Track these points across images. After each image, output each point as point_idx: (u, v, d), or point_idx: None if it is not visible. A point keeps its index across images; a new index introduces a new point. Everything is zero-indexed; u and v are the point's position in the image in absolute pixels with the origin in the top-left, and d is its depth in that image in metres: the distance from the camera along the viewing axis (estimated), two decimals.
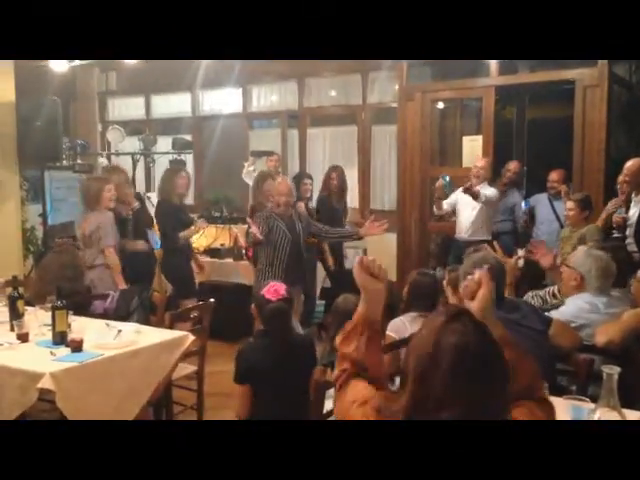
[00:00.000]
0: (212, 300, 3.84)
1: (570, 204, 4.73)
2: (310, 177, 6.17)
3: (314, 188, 6.20)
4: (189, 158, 7.64)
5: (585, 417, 2.01)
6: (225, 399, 3.77)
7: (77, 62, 6.34)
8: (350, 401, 1.50)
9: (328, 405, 2.54)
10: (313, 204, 6.12)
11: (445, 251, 6.15)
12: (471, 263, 2.66)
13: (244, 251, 5.69)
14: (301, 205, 5.49)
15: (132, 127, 8.08)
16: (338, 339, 1.71)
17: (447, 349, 1.26)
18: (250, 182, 6.29)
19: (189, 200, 7.36)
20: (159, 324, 3.69)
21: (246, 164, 6.64)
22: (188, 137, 7.65)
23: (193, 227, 5.13)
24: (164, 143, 7.23)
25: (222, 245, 6.28)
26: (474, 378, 1.25)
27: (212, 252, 6.20)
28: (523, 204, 5.74)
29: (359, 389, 1.53)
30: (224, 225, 6.47)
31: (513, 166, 5.92)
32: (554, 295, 3.33)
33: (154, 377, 3.17)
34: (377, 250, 6.81)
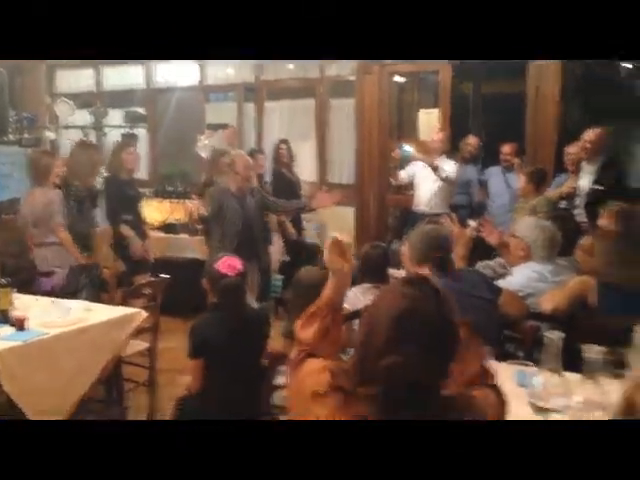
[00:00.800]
0: (166, 276, 3.78)
1: (522, 176, 4.80)
2: (262, 152, 6.10)
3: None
4: (143, 132, 7.46)
5: (530, 381, 2.05)
6: (178, 376, 3.74)
7: None
8: (305, 374, 1.49)
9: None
10: (266, 179, 6.06)
11: (403, 224, 6.19)
12: (419, 234, 2.68)
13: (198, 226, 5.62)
14: (254, 180, 5.42)
15: (82, 100, 7.81)
16: (298, 323, 1.67)
17: (398, 311, 1.27)
18: (204, 155, 6.18)
19: (143, 175, 7.23)
20: (111, 301, 3.62)
21: (201, 137, 6.52)
22: (141, 110, 7.46)
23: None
24: (116, 116, 7.02)
25: (177, 220, 6.18)
26: (420, 337, 1.26)
27: (167, 228, 6.10)
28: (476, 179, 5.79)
29: (314, 363, 1.52)
30: (179, 200, 6.36)
31: (472, 141, 5.94)
32: (504, 266, 3.38)
33: (104, 354, 3.11)
34: (335, 224, 6.81)
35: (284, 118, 7.28)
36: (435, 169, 5.27)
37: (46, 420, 2.54)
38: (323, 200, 4.42)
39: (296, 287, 3.05)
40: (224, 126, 6.54)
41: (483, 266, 3.49)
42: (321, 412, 1.32)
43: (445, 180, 5.33)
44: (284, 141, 6.25)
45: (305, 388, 1.41)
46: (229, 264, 2.93)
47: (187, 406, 2.83)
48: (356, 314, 2.92)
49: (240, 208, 4.29)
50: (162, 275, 3.86)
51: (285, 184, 5.97)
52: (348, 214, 6.48)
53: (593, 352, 1.82)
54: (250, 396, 2.62)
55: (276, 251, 5.95)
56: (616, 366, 1.97)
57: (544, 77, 5.43)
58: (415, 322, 1.26)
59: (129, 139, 6.21)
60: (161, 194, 6.46)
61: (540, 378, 2.00)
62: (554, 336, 1.96)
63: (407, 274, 2.66)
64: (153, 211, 6.05)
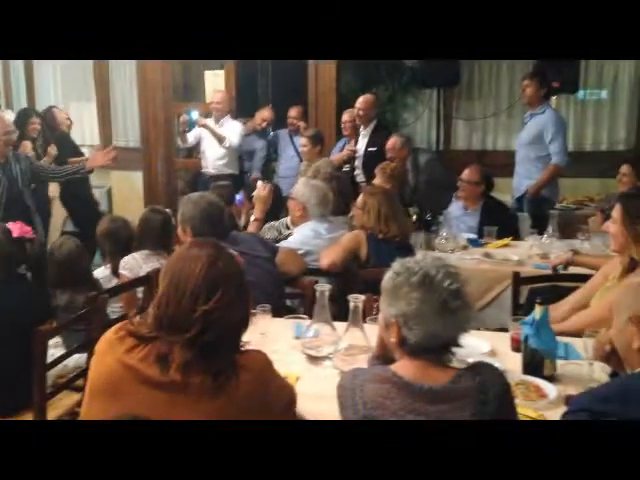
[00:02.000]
0: None
1: (304, 140, 5.02)
2: (39, 114, 5.56)
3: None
4: None
5: (305, 332, 2.21)
6: None
7: None
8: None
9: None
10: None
11: (193, 187, 6.12)
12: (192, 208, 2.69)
13: None
14: (27, 145, 4.95)
15: None
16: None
17: (202, 267, 1.45)
18: None
19: None
20: None
21: None
22: None
23: None
24: None
25: None
26: (225, 288, 1.45)
27: None
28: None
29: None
30: None
31: (266, 114, 5.90)
32: (287, 226, 3.54)
33: None
34: (123, 189, 6.55)
35: (58, 77, 6.73)
36: (220, 140, 5.33)
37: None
38: (96, 159, 4.16)
39: (50, 260, 2.89)
40: None
41: (268, 227, 3.62)
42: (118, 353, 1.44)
43: (228, 149, 5.42)
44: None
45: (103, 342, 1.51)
46: (20, 227, 2.61)
47: None
48: (140, 280, 2.86)
49: (3, 177, 3.87)
50: None
51: (69, 148, 5.54)
52: (136, 178, 6.25)
53: (357, 300, 1.99)
54: (23, 376, 2.45)
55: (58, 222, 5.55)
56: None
57: None
58: (217, 276, 1.45)
59: None
60: None
61: (313, 329, 2.16)
62: (323, 288, 2.12)
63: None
64: None
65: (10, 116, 5.32)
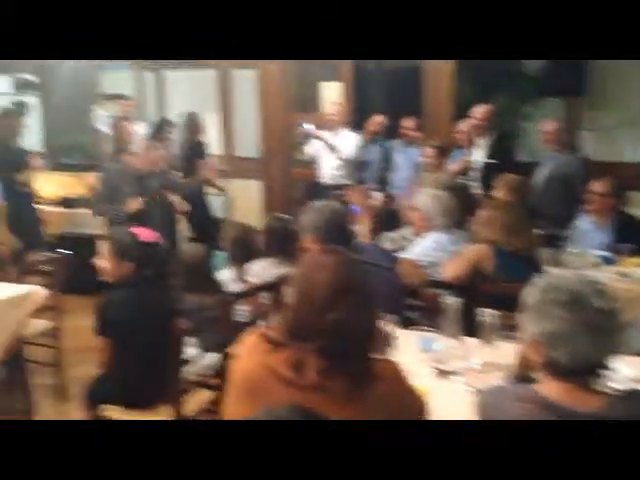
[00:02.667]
0: (66, 252, 3.64)
1: (428, 150, 4.97)
2: (172, 124, 5.90)
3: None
4: (35, 101, 7.03)
5: (432, 346, 2.19)
6: (84, 354, 3.63)
7: None
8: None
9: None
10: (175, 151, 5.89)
11: (309, 197, 6.24)
12: (317, 216, 2.72)
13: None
14: (162, 155, 5.26)
15: None
16: None
17: (330, 275, 1.47)
18: (104, 128, 5.92)
19: (37, 147, 6.84)
20: (6, 279, 3.45)
21: (98, 109, 6.23)
22: (31, 77, 7.01)
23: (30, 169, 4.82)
24: (4, 83, 6.57)
25: (76, 195, 5.91)
26: (352, 296, 1.46)
27: (65, 202, 5.82)
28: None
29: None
30: (77, 173, 6.07)
31: (378, 120, 5.95)
32: (405, 238, 3.53)
33: (3, 334, 2.98)
34: (242, 198, 6.79)
35: (185, 89, 7.10)
36: (332, 149, 5.41)
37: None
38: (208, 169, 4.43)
39: (178, 264, 3.02)
40: (122, 97, 6.27)
41: (386, 238, 3.63)
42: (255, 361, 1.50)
43: (342, 160, 5.47)
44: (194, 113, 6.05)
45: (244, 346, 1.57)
46: (148, 232, 2.78)
47: (98, 385, 2.77)
48: (265, 286, 2.96)
49: (139, 189, 4.17)
50: (61, 251, 3.71)
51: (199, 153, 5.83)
52: (255, 187, 6.47)
53: (488, 316, 1.95)
54: (161, 373, 2.60)
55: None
56: (510, 329, 2.14)
57: None
58: (346, 284, 1.47)
59: (21, 107, 5.84)
60: (58, 167, 6.13)
61: (440, 343, 2.13)
62: (452, 302, 2.09)
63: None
64: (51, 185, 5.76)
65: (143, 128, 5.70)
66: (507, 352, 1.94)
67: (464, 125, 5.12)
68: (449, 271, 2.98)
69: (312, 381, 1.43)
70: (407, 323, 2.65)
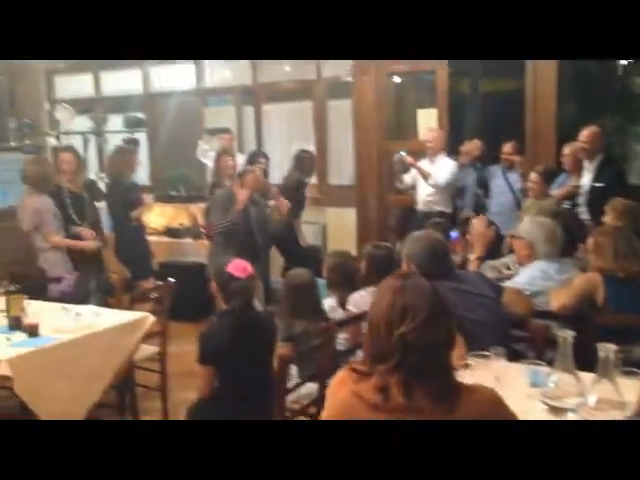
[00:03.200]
0: (172, 280, 3.80)
1: (534, 176, 4.80)
2: (266, 156, 6.09)
3: (270, 167, 6.14)
4: (143, 137, 7.48)
5: (542, 380, 2.08)
6: (188, 379, 3.75)
7: None
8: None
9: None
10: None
11: (404, 224, 6.21)
12: (415, 245, 2.69)
13: (203, 230, 5.64)
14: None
15: (82, 105, 7.82)
16: None
17: (396, 291, 1.51)
18: (206, 161, 6.18)
19: (145, 180, 7.25)
20: (118, 306, 3.64)
21: (201, 143, 6.53)
22: (140, 115, 7.46)
23: (143, 206, 5.08)
24: (116, 121, 7.03)
25: (181, 225, 6.20)
26: (422, 310, 1.48)
27: (171, 232, 6.11)
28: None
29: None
30: (182, 204, 6.37)
31: (475, 144, 5.85)
32: (508, 266, 3.41)
33: (116, 359, 3.13)
34: (337, 225, 6.85)
35: (282, 121, 7.31)
36: (425, 177, 5.36)
37: (57, 420, 2.55)
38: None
39: (285, 288, 3.06)
40: (223, 130, 6.55)
41: (488, 266, 3.53)
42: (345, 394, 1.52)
43: (435, 187, 5.41)
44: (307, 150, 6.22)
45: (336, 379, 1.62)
46: (241, 267, 2.91)
47: (199, 411, 2.84)
48: (364, 316, 2.94)
49: (244, 215, 4.34)
50: (168, 279, 3.87)
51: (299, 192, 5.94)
52: (349, 215, 6.51)
53: (608, 350, 1.83)
54: (262, 400, 2.64)
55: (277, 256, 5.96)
56: (630, 364, 2.00)
57: (541, 74, 5.46)
58: (406, 302, 1.49)
59: (132, 143, 6.23)
60: (163, 198, 6.47)
61: (554, 377, 2.02)
62: (566, 335, 1.98)
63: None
64: (156, 216, 6.06)
65: (241, 160, 5.90)
66: (626, 389, 1.81)
67: (570, 148, 4.92)
68: (557, 301, 2.84)
69: (398, 403, 1.45)
70: (513, 355, 2.55)
